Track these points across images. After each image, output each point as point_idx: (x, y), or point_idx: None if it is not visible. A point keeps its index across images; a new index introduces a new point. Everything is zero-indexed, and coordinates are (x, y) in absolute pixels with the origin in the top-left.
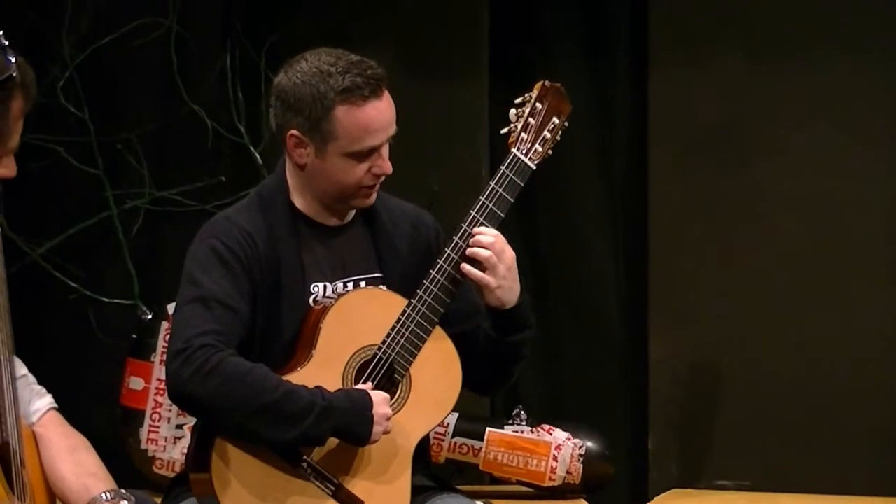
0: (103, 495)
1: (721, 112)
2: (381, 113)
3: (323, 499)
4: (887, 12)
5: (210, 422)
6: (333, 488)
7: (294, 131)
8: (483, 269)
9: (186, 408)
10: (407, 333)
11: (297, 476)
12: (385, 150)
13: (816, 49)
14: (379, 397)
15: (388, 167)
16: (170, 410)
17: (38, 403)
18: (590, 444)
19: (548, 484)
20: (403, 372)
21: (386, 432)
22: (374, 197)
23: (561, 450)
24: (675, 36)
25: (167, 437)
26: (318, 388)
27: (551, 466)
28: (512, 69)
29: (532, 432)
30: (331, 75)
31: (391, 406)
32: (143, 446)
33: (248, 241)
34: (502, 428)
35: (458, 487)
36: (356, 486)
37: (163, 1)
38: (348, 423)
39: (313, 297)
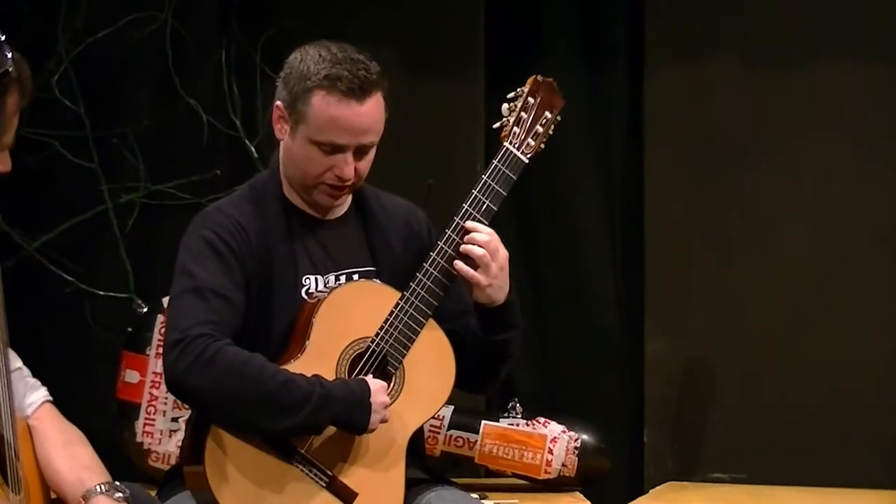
0: (98, 488)
1: (718, 117)
2: (355, 115)
3: (316, 490)
4: (887, 17)
5: (208, 412)
6: (327, 480)
7: (279, 103)
8: (475, 267)
9: (184, 398)
10: (400, 326)
11: (291, 468)
12: (349, 156)
13: (815, 53)
14: (377, 385)
15: (346, 173)
16: (165, 403)
17: (33, 396)
18: (585, 437)
19: (543, 477)
20: (397, 364)
21: (384, 421)
22: (338, 201)
23: (556, 443)
24: (672, 40)
25: (163, 431)
26: (317, 376)
27: (547, 459)
28: (508, 66)
29: (528, 425)
30: (324, 61)
31: None
32: (139, 439)
33: (240, 231)
34: (498, 421)
35: (454, 480)
36: (350, 478)
37: None
38: (346, 411)
39: (305, 289)
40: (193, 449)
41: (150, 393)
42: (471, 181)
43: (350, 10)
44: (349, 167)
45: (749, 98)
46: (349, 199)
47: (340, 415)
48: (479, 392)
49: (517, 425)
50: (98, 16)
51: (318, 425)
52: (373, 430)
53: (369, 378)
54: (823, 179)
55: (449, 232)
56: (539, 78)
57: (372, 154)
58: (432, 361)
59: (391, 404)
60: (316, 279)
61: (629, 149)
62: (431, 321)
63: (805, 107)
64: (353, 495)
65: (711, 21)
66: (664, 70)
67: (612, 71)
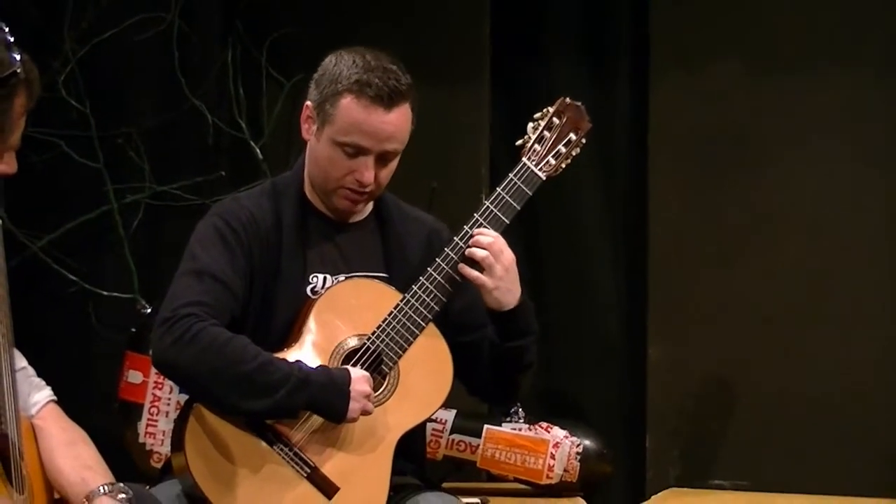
0: (101, 488)
1: (722, 122)
2: (380, 121)
3: (297, 480)
4: (888, 25)
5: (188, 388)
6: (309, 471)
7: (309, 103)
8: (481, 270)
9: (167, 374)
10: (398, 327)
11: (273, 455)
12: (370, 161)
13: (817, 60)
14: (358, 374)
15: (366, 178)
16: (168, 404)
17: (37, 396)
18: (587, 442)
19: (545, 482)
20: (391, 364)
21: (366, 412)
22: (356, 207)
23: (559, 448)
24: (676, 46)
25: (165, 431)
26: (298, 361)
27: (549, 464)
28: (513, 72)
29: (530, 430)
30: (357, 66)
31: (376, 397)
32: (141, 440)
33: (251, 222)
34: (500, 425)
35: (453, 485)
36: (332, 472)
37: None
38: (324, 396)
39: (311, 286)
40: (176, 436)
41: (153, 394)
42: (474, 186)
43: (355, 14)
44: (369, 172)
45: (752, 103)
46: (370, 205)
47: (317, 399)
48: (499, 404)
49: (520, 430)
50: (104, 16)
51: (294, 408)
52: (353, 419)
53: (352, 367)
54: (825, 185)
55: (456, 239)
56: (567, 100)
57: (394, 165)
58: (429, 365)
59: (382, 403)
60: (325, 278)
61: (633, 154)
62: (432, 326)
63: (807, 112)
64: (335, 489)
65: (715, 27)
66: (669, 75)
67: (616, 76)
